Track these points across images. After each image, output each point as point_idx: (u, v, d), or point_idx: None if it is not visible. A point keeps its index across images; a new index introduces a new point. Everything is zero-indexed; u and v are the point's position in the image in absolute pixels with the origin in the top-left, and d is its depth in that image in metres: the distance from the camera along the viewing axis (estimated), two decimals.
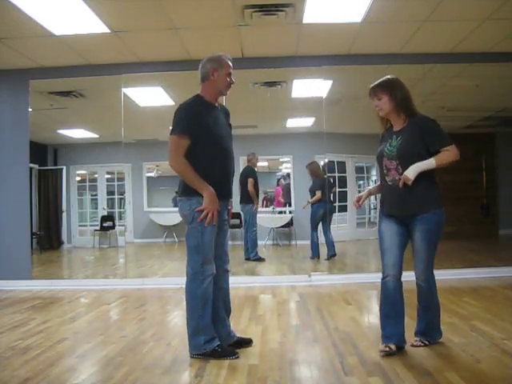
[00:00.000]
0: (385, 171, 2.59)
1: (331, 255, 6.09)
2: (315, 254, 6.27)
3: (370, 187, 2.84)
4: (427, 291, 2.68)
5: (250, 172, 6.46)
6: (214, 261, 2.59)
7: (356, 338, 2.86)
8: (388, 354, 2.46)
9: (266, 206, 9.50)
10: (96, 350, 2.81)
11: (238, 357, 2.54)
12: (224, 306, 2.69)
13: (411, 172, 2.44)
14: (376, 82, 2.57)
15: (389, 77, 2.57)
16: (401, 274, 2.64)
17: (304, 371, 2.37)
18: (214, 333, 2.56)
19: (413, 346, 2.59)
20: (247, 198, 6.36)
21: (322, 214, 6.34)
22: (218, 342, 2.56)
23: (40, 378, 2.32)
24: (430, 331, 2.65)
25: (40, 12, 3.75)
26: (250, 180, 6.32)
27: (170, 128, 2.51)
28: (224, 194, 2.60)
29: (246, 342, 2.74)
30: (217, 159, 2.55)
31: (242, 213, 6.63)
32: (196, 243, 2.51)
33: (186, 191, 2.52)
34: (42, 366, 2.49)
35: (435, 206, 2.53)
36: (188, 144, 2.48)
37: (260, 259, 6.31)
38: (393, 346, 2.49)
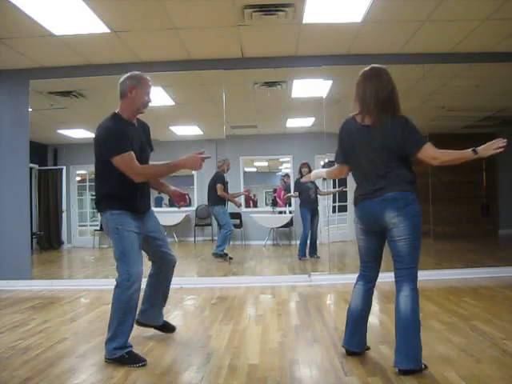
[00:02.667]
0: None
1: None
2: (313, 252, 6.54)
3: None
4: None
5: (218, 178, 6.57)
6: (160, 259, 2.87)
7: None
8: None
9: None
10: (96, 349, 2.81)
11: (144, 364, 2.49)
12: (162, 295, 3.00)
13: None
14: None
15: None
16: None
17: (304, 371, 2.37)
18: (127, 341, 2.57)
19: None
20: (213, 201, 6.56)
21: None
22: (128, 349, 2.56)
23: (40, 378, 2.32)
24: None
25: (40, 12, 3.75)
26: (219, 186, 6.48)
27: (108, 151, 2.50)
28: (140, 209, 2.72)
29: (170, 329, 3.08)
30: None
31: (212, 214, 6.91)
32: (119, 251, 2.59)
33: (102, 206, 2.63)
34: (41, 366, 2.49)
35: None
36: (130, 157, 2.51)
37: (224, 256, 6.27)
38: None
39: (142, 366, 2.49)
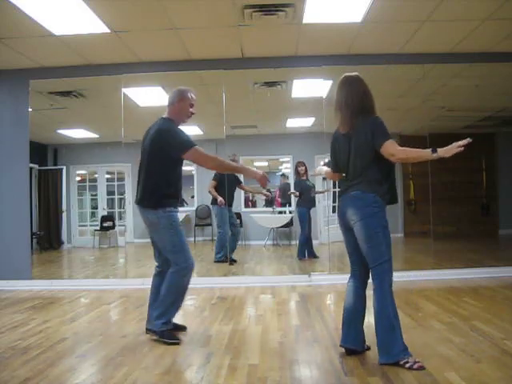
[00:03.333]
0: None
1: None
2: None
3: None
4: None
5: (214, 175, 6.39)
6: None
7: None
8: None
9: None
10: (96, 349, 2.81)
11: (178, 343, 2.84)
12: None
13: None
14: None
15: None
16: None
17: (304, 371, 2.37)
18: (172, 319, 2.94)
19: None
20: (212, 199, 6.48)
21: None
22: (171, 327, 2.93)
23: (40, 377, 2.32)
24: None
25: (40, 12, 3.75)
26: (211, 182, 6.39)
27: (180, 147, 2.84)
28: (179, 202, 3.06)
29: (181, 328, 3.15)
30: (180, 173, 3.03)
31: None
32: (174, 244, 2.88)
33: (156, 203, 2.86)
34: (41, 366, 2.49)
35: None
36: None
37: (224, 261, 6.10)
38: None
39: (176, 343, 2.83)
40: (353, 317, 2.54)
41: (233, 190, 6.55)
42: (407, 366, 2.28)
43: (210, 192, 6.42)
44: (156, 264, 3.12)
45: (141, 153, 3.04)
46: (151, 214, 2.87)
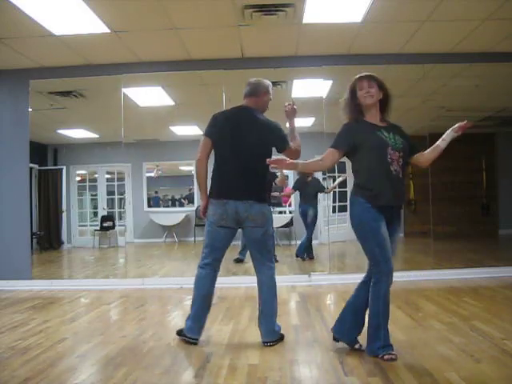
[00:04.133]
0: (389, 160, 2.48)
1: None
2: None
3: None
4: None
5: None
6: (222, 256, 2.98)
7: None
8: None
9: None
10: (96, 349, 2.81)
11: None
12: None
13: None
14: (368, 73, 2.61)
15: None
16: None
17: (304, 371, 2.37)
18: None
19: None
20: None
21: None
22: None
23: (40, 377, 2.32)
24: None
25: (40, 12, 3.75)
26: None
27: (287, 142, 3.02)
28: None
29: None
30: None
31: None
32: (272, 242, 2.93)
33: (265, 197, 2.85)
34: (41, 366, 2.49)
35: None
36: None
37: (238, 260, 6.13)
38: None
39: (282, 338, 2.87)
40: (346, 308, 2.64)
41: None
42: (385, 358, 2.39)
43: None
44: (207, 261, 2.87)
45: (230, 143, 2.82)
46: (265, 208, 2.84)
